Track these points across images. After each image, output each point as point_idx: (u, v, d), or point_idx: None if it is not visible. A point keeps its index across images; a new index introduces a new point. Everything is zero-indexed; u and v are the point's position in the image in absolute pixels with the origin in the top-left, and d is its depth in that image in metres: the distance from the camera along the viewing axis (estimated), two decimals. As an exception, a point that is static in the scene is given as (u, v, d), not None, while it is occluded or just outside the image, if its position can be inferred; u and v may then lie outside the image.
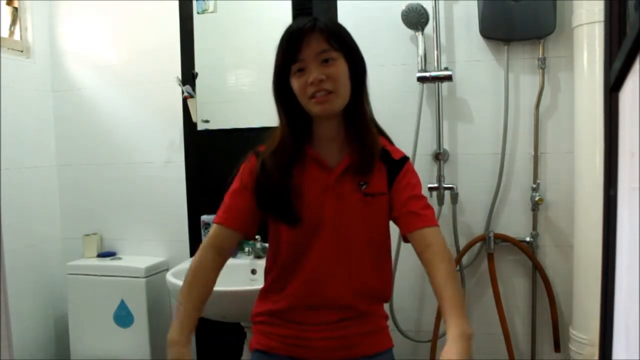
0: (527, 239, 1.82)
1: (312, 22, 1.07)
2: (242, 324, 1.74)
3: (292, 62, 1.07)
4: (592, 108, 1.58)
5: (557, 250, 1.82)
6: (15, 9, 2.20)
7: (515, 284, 1.87)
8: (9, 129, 2.04)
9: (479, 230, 1.88)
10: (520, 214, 1.84)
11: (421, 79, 1.82)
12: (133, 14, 2.16)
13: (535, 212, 1.81)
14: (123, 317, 2.08)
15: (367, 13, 1.90)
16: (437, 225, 1.09)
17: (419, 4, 1.81)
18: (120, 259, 2.20)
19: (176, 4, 2.08)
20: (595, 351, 1.57)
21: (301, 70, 1.07)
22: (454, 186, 1.85)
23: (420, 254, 1.06)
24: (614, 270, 0.53)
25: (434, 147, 1.88)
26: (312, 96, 1.06)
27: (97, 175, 2.26)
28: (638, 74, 0.45)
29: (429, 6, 1.82)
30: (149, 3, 2.13)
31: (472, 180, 1.87)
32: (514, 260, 1.86)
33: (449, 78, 1.80)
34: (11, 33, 2.19)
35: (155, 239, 2.21)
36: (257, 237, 1.89)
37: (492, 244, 1.82)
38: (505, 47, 1.79)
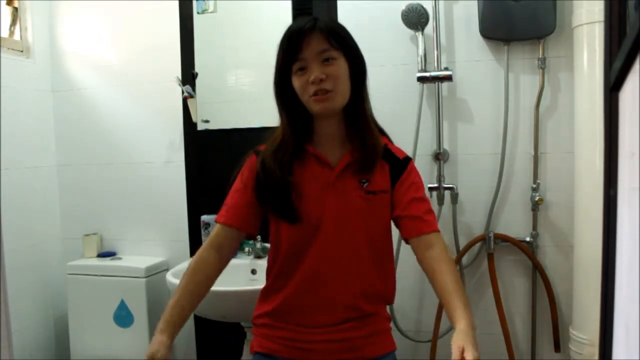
0: (527, 239, 1.82)
1: (312, 22, 1.08)
2: (242, 324, 1.74)
3: (293, 61, 1.08)
4: (592, 108, 1.58)
5: (557, 250, 1.82)
6: (15, 9, 2.20)
7: (515, 284, 1.87)
8: (9, 129, 2.04)
9: (479, 230, 1.88)
10: (520, 214, 1.84)
11: (421, 79, 1.82)
12: (133, 14, 2.16)
13: (535, 212, 1.81)
14: (123, 317, 2.08)
15: (367, 13, 1.90)
16: (439, 231, 1.11)
17: (419, 4, 1.81)
18: (120, 259, 2.20)
19: (176, 4, 2.08)
20: (595, 351, 1.57)
21: (302, 70, 1.08)
22: (454, 186, 1.85)
23: (421, 258, 1.08)
24: (614, 270, 0.53)
25: (434, 147, 1.88)
26: (313, 95, 1.07)
27: (97, 175, 2.26)
28: (638, 74, 0.45)
29: (429, 6, 1.82)
30: (149, 3, 2.13)
31: (472, 180, 1.87)
32: (514, 260, 1.86)
33: (449, 78, 1.80)
34: (11, 33, 2.19)
35: (155, 239, 2.21)
36: (257, 237, 1.89)
37: (492, 244, 1.82)
38: (505, 47, 1.79)
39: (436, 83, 1.83)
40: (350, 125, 1.14)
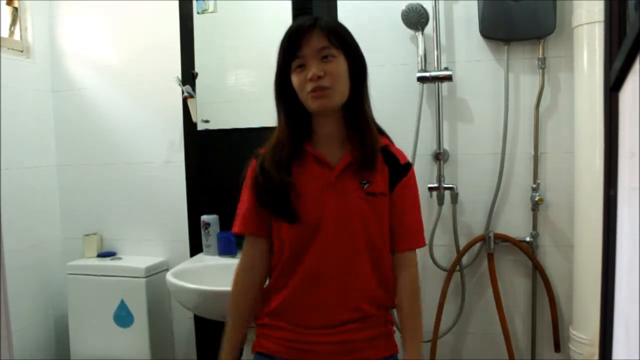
0: (527, 239, 1.82)
1: (313, 20, 1.09)
2: (242, 324, 1.73)
3: (292, 59, 1.08)
4: (592, 108, 1.58)
5: (557, 250, 1.82)
6: (15, 9, 2.20)
7: (515, 284, 1.87)
8: (9, 129, 2.04)
9: (479, 230, 1.88)
10: (520, 214, 1.84)
11: (421, 79, 1.82)
12: (133, 14, 2.16)
13: (535, 212, 1.81)
14: (123, 317, 2.08)
15: (367, 13, 1.90)
16: (423, 245, 1.19)
17: (419, 4, 1.81)
18: (120, 259, 2.20)
19: (176, 4, 2.08)
20: (595, 351, 1.57)
21: (301, 67, 1.08)
22: (454, 186, 1.85)
23: (396, 274, 1.17)
24: (614, 271, 0.53)
25: (434, 147, 1.88)
26: (311, 91, 1.07)
27: (97, 175, 2.26)
28: (638, 74, 0.45)
29: (429, 6, 1.82)
30: (149, 3, 2.13)
31: (472, 180, 1.87)
32: (514, 260, 1.86)
33: (449, 78, 1.80)
34: (11, 33, 2.19)
35: (155, 239, 2.21)
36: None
37: (492, 244, 1.82)
38: (505, 47, 1.79)
39: (436, 83, 1.83)
40: (349, 124, 1.13)
